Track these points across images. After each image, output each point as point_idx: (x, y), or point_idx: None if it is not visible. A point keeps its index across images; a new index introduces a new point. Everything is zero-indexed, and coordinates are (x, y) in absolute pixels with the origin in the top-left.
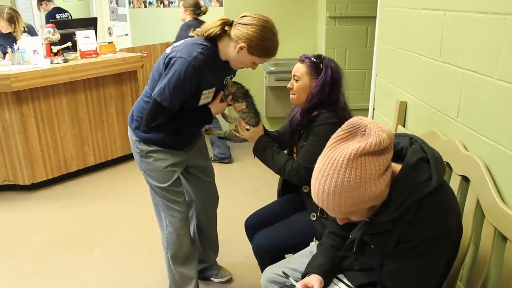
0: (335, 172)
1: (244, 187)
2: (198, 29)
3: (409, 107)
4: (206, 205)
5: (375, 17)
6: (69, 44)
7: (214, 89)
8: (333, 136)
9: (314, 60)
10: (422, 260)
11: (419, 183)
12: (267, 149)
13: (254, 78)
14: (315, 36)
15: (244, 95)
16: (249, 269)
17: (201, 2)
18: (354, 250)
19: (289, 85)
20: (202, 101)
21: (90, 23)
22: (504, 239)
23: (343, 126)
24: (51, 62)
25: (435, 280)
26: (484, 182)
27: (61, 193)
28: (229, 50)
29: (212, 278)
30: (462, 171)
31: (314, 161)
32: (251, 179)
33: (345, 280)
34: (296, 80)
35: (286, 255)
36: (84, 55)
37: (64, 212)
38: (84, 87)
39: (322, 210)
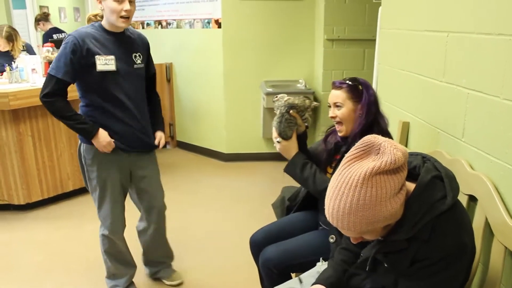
0: (350, 191)
1: (241, 208)
2: None
3: (412, 128)
4: (152, 213)
5: (372, 39)
6: None
7: (113, 56)
8: (347, 155)
9: (351, 83)
10: (437, 279)
11: (434, 201)
12: (306, 166)
13: (253, 99)
14: (313, 58)
15: (285, 107)
16: None
17: (200, 25)
18: (367, 269)
19: (331, 114)
20: (101, 67)
21: None
22: None
23: (357, 144)
24: None
25: None
26: (492, 201)
27: (57, 213)
28: (104, 16)
29: (164, 280)
30: (469, 191)
31: None
32: (247, 200)
33: None
34: (338, 107)
35: (292, 274)
36: None
37: (60, 233)
38: None
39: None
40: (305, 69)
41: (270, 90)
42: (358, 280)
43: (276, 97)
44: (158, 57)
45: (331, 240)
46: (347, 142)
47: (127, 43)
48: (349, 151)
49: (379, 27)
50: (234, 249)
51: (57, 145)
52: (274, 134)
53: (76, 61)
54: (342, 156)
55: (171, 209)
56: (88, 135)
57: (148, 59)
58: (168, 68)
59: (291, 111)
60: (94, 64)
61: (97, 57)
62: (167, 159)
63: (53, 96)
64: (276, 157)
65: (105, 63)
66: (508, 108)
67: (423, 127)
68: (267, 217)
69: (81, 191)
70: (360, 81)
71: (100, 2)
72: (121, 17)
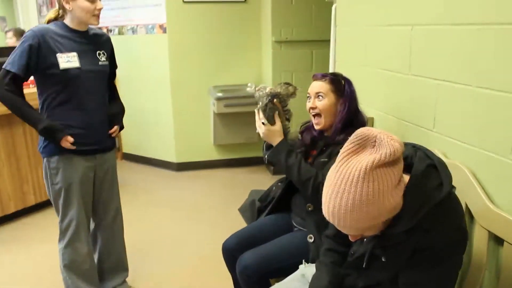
0: (351, 187)
1: (199, 217)
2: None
3: (376, 123)
4: (109, 215)
5: (319, 40)
6: None
7: (75, 53)
8: (342, 150)
9: (334, 77)
10: (442, 268)
11: (431, 190)
12: (292, 154)
13: (201, 105)
14: (260, 61)
15: (268, 96)
16: None
17: (144, 30)
18: (363, 265)
19: (311, 105)
20: (64, 64)
21: None
22: (499, 242)
23: (350, 138)
24: None
25: (453, 287)
26: (472, 188)
27: None
28: (70, 15)
29: None
30: None
31: None
32: (204, 208)
33: None
34: (319, 97)
35: (271, 280)
36: None
37: (5, 258)
38: None
39: (320, 233)
40: (253, 73)
41: (220, 95)
42: (351, 280)
43: (258, 88)
44: None
45: (310, 240)
46: (324, 136)
47: (91, 41)
48: (344, 146)
49: (333, 26)
50: (198, 258)
51: None
52: (260, 116)
53: (33, 57)
54: (320, 152)
55: (125, 224)
56: (38, 123)
57: (111, 57)
58: None
59: (274, 100)
60: (56, 63)
61: (58, 55)
62: None
63: (10, 91)
64: (228, 164)
65: (68, 60)
66: (482, 95)
67: (389, 121)
68: (228, 225)
69: (24, 212)
70: (342, 76)
71: (68, 3)
72: (94, 15)
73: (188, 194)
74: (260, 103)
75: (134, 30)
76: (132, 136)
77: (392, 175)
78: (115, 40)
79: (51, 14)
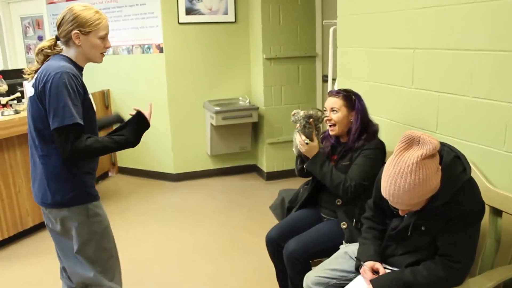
0: (407, 174)
1: (212, 221)
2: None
3: (382, 128)
4: None
5: (305, 56)
6: (18, 94)
7: (90, 94)
8: (396, 148)
9: (346, 93)
10: (470, 230)
11: (459, 174)
12: (325, 163)
13: (197, 119)
14: (249, 76)
15: (304, 118)
16: None
17: (139, 50)
18: (408, 234)
19: (329, 117)
20: (94, 107)
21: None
22: (498, 213)
23: (401, 139)
24: (2, 114)
25: (477, 245)
26: (474, 174)
27: (22, 252)
28: (76, 51)
29: None
30: None
31: (367, 179)
32: (214, 213)
33: (387, 266)
34: (334, 111)
35: (311, 262)
36: None
37: (36, 270)
38: None
39: (352, 220)
40: (243, 87)
41: (218, 108)
42: (390, 250)
43: (293, 112)
44: (93, 86)
45: (344, 227)
46: (342, 143)
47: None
48: (397, 145)
49: (332, 46)
50: (221, 258)
51: (15, 180)
52: (302, 138)
53: (80, 96)
54: (340, 156)
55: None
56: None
57: None
58: (106, 94)
59: (310, 120)
60: (91, 106)
61: (90, 96)
62: (111, 187)
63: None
64: (223, 172)
65: (92, 100)
66: (477, 104)
67: (393, 126)
68: (239, 224)
69: (39, 227)
70: (353, 92)
71: (78, 37)
72: (101, 53)
73: (192, 201)
74: (299, 125)
75: (129, 50)
76: (129, 150)
77: (433, 164)
78: (110, 59)
79: (46, 43)
